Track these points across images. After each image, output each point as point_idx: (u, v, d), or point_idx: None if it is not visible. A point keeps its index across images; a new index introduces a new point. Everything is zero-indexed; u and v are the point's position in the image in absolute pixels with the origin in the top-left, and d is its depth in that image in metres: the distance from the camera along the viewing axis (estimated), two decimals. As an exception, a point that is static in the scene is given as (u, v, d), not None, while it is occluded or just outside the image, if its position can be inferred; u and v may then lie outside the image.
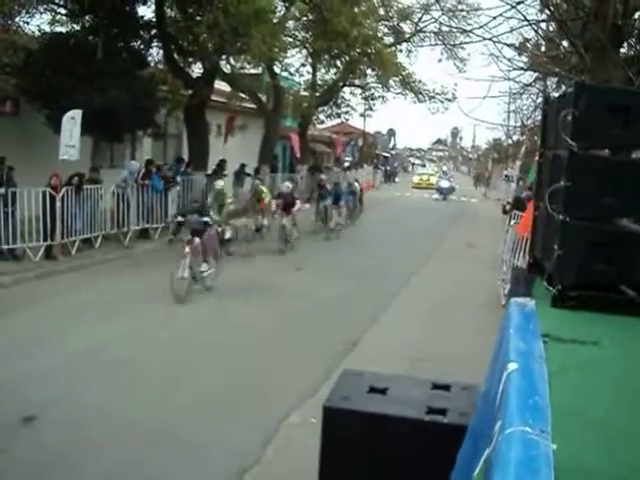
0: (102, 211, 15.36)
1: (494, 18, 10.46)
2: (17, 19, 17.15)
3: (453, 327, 10.21)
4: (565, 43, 11.15)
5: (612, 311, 2.53)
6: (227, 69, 24.29)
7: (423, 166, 68.00)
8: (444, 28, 29.12)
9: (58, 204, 13.49)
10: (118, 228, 15.80)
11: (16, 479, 5.22)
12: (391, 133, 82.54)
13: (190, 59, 21.52)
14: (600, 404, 1.70)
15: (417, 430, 2.99)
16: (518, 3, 10.21)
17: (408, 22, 32.79)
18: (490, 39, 10.65)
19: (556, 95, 3.87)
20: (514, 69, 12.08)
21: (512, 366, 1.80)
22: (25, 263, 12.92)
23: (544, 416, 1.52)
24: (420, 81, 34.96)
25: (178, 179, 18.63)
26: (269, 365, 8.21)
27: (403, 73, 33.78)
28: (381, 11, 32.31)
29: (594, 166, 2.71)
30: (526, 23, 11.05)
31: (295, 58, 32.11)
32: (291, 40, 28.75)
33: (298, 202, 17.78)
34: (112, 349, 8.36)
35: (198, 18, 18.72)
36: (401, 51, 33.76)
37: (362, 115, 44.23)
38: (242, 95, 26.86)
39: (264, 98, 28.74)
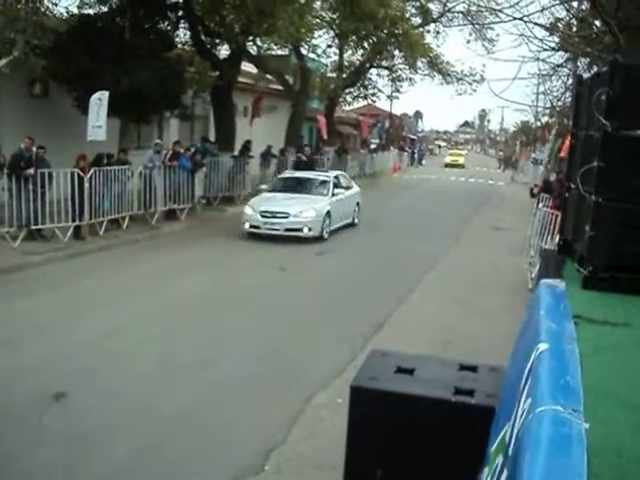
0: (129, 192, 15.47)
1: (525, -3, 10.29)
2: (45, 1, 17.17)
3: (480, 310, 10.16)
4: (598, 23, 10.90)
5: (644, 293, 2.50)
6: (254, 50, 24.25)
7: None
8: (473, 8, 28.68)
9: (86, 185, 13.60)
10: (145, 209, 15.92)
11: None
12: (418, 115, 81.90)
13: (217, 40, 21.54)
14: (633, 385, 1.69)
15: (444, 410, 2.99)
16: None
17: (436, 2, 32.33)
18: (520, 19, 10.45)
19: (588, 76, 3.81)
20: (544, 50, 11.85)
21: (543, 346, 1.79)
22: (54, 243, 13.07)
23: (576, 396, 1.51)
24: (448, 62, 34.60)
25: (205, 160, 18.69)
26: (296, 345, 8.25)
27: (431, 54, 33.41)
28: (409, -9, 31.91)
29: (628, 146, 2.66)
30: (558, 2, 10.87)
31: (322, 39, 31.88)
32: (318, 21, 28.51)
33: None
34: (141, 327, 8.46)
35: (225, -1, 18.67)
36: (429, 32, 33.30)
37: (389, 97, 43.84)
38: (269, 77, 26.80)
39: (291, 80, 28.66)
